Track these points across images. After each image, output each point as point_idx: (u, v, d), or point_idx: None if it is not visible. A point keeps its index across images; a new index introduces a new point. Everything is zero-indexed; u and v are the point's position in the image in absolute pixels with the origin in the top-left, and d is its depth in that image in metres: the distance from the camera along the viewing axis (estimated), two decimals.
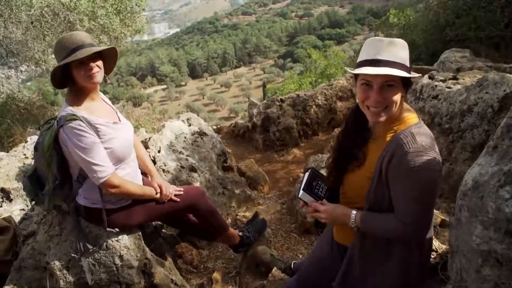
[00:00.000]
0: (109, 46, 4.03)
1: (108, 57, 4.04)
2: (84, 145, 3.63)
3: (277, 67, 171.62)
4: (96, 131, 3.76)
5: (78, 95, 3.87)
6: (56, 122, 3.74)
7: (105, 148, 3.79)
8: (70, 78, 3.80)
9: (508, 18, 10.86)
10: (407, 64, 2.66)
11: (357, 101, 2.89)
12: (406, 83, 2.71)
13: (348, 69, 2.94)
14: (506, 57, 10.27)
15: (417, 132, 2.62)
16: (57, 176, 3.84)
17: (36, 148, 3.95)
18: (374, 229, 2.86)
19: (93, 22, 13.93)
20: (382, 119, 2.74)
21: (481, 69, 7.27)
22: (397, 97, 2.68)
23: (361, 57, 2.77)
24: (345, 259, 3.09)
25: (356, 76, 2.81)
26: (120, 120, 4.15)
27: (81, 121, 3.67)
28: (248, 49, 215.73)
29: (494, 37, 11.25)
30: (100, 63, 3.86)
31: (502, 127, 2.51)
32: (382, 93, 2.65)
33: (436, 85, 6.20)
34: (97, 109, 3.96)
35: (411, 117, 2.78)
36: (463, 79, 6.28)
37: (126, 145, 4.05)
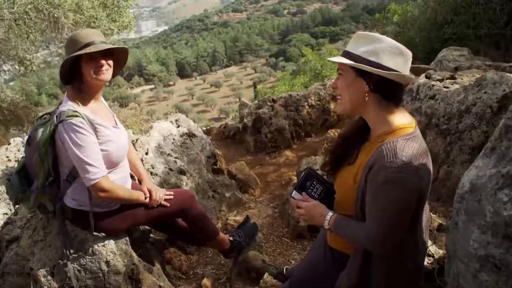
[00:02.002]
0: (122, 46, 4.05)
1: (119, 57, 4.07)
2: (81, 143, 3.62)
3: (269, 66, 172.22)
4: (95, 131, 3.76)
5: (83, 92, 3.87)
6: (55, 117, 3.73)
7: (101, 150, 3.78)
8: (78, 73, 3.81)
9: (508, 15, 10.91)
10: (373, 58, 2.67)
11: None
12: (366, 77, 2.71)
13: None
14: (505, 56, 10.32)
15: (402, 145, 2.57)
16: (51, 172, 3.84)
17: (28, 143, 3.93)
18: (344, 235, 2.91)
19: (79, 15, 13.89)
20: (341, 109, 2.89)
21: (479, 68, 7.31)
22: (343, 86, 2.80)
23: None
24: (347, 268, 3.10)
25: None
26: (117, 125, 4.16)
27: (83, 118, 3.67)
28: (239, 48, 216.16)
29: (493, 35, 11.30)
30: (110, 62, 3.89)
31: (500, 128, 2.52)
32: (336, 80, 2.84)
33: (433, 85, 6.22)
34: (98, 110, 3.98)
35: (405, 127, 2.73)
36: (461, 79, 6.31)
37: (121, 150, 4.06)
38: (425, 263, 3.74)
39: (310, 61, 35.96)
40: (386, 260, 2.85)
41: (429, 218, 3.17)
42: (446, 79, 6.43)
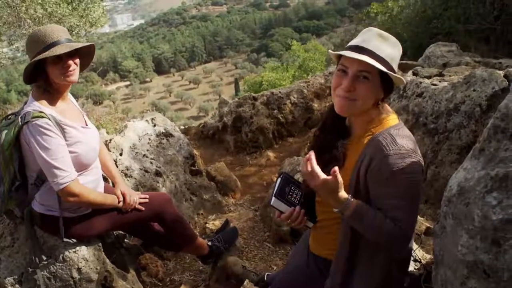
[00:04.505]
0: (89, 43, 4.02)
1: (85, 53, 4.03)
2: (48, 146, 3.59)
3: (250, 62, 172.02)
4: (63, 132, 3.73)
5: (48, 92, 3.84)
6: (19, 118, 3.68)
7: (70, 152, 3.75)
8: (43, 73, 3.77)
9: (498, 10, 10.98)
10: (393, 65, 2.67)
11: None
12: (386, 85, 2.71)
13: (330, 51, 2.93)
14: (496, 51, 10.39)
15: (396, 134, 2.65)
16: (17, 176, 3.80)
17: None
18: (365, 223, 2.71)
19: (41, 10, 13.73)
20: (348, 112, 2.78)
21: (468, 64, 7.34)
22: (369, 94, 2.68)
23: (348, 44, 2.78)
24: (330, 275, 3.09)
25: (337, 64, 2.81)
26: (87, 125, 4.13)
27: (49, 119, 3.64)
28: (219, 43, 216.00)
29: (484, 30, 11.37)
30: (77, 60, 3.86)
31: (489, 128, 2.52)
32: (355, 82, 2.65)
33: (420, 82, 6.24)
34: (66, 109, 3.95)
35: (390, 119, 2.79)
36: (450, 76, 6.34)
37: (92, 151, 4.02)
38: (412, 268, 3.75)
39: (294, 53, 36.08)
40: (370, 264, 2.86)
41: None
42: (434, 76, 6.46)
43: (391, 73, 2.63)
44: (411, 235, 2.72)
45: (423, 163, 2.64)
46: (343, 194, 2.69)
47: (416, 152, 2.63)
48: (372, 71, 2.62)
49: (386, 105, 2.88)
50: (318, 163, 2.92)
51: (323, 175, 2.69)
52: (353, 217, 2.72)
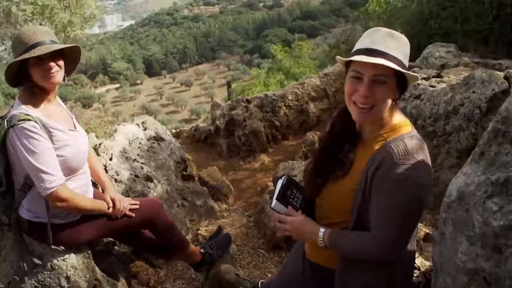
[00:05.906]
0: (72, 45, 4.00)
1: (70, 55, 4.02)
2: (35, 149, 3.57)
3: (244, 64, 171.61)
4: (50, 135, 3.71)
5: (34, 94, 3.82)
6: (6, 121, 3.66)
7: (57, 156, 3.73)
8: (26, 75, 3.76)
9: (497, 10, 10.96)
10: (406, 63, 2.65)
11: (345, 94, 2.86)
12: (400, 85, 2.69)
13: (339, 58, 2.89)
14: (495, 52, 10.37)
15: (409, 142, 2.62)
16: (2, 182, 3.80)
17: None
18: (344, 248, 2.84)
19: (32, 6, 13.66)
20: (368, 119, 2.73)
21: (467, 65, 7.32)
22: (387, 97, 2.64)
23: (355, 47, 2.74)
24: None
25: (346, 69, 2.78)
26: (75, 128, 4.11)
27: (36, 122, 3.62)
28: (211, 44, 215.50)
29: (482, 30, 11.36)
30: (61, 62, 3.83)
31: (489, 132, 2.51)
32: (372, 88, 2.61)
33: (418, 84, 6.22)
34: (53, 112, 3.94)
35: (404, 125, 2.77)
36: (448, 77, 6.32)
37: (80, 155, 4.00)
38: None
39: (280, 60, 35.89)
40: (378, 278, 2.84)
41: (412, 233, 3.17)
42: (432, 77, 6.44)
43: (408, 72, 2.62)
44: (392, 249, 2.66)
45: (432, 172, 2.63)
46: (315, 228, 2.92)
47: (426, 162, 2.61)
48: (388, 73, 2.59)
49: (399, 109, 2.87)
50: (322, 170, 2.93)
51: (294, 218, 2.97)
52: (332, 246, 2.87)
